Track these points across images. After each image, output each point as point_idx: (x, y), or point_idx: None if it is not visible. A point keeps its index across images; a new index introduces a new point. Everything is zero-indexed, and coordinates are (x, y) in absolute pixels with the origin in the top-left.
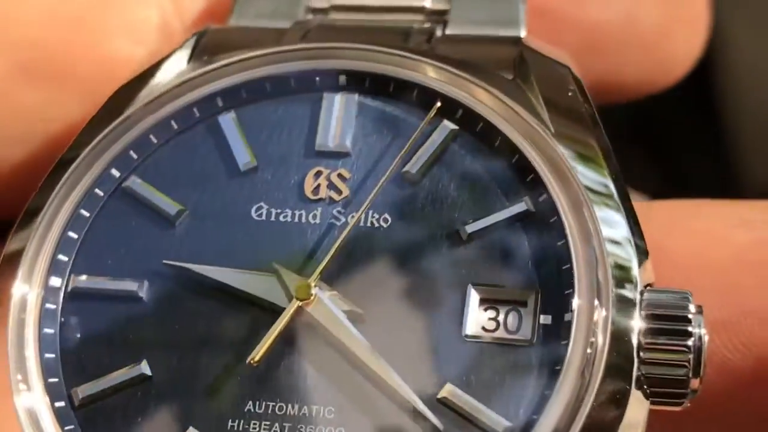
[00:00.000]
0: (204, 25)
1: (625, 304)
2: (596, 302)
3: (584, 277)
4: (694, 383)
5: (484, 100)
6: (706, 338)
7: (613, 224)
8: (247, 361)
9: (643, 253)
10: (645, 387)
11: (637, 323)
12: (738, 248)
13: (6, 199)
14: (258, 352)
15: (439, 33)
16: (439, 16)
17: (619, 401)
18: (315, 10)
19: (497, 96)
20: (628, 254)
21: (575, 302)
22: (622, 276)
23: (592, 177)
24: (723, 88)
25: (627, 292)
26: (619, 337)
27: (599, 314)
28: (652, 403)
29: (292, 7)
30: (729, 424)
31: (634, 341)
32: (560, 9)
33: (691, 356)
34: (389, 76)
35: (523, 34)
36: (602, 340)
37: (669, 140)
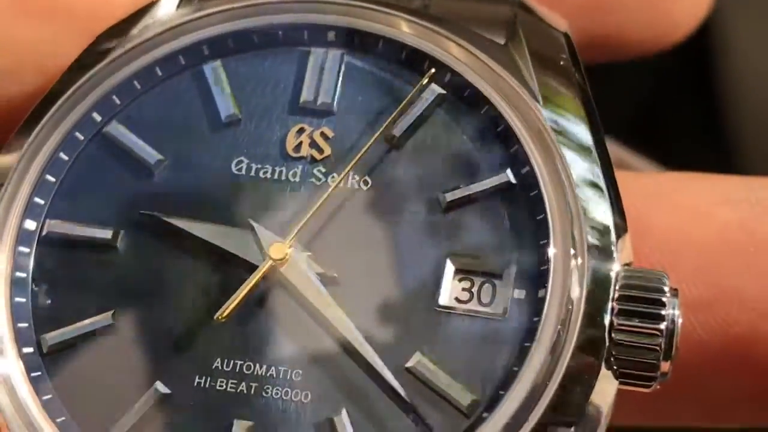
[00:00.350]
0: None
1: (601, 276)
2: (572, 256)
3: (561, 254)
4: (665, 366)
5: (473, 65)
6: (679, 321)
7: (594, 193)
8: (214, 318)
9: (618, 215)
10: (615, 368)
11: (610, 302)
12: (721, 227)
13: None
14: (225, 310)
15: None
16: None
17: (587, 380)
18: None
19: (486, 62)
20: (605, 221)
21: (551, 252)
22: (600, 242)
23: (576, 137)
24: (723, 79)
25: (604, 265)
26: (592, 316)
27: (575, 263)
28: (621, 383)
29: None
30: (702, 403)
31: (606, 321)
32: None
33: (662, 340)
34: (378, 34)
35: None
36: (575, 311)
37: (668, 132)
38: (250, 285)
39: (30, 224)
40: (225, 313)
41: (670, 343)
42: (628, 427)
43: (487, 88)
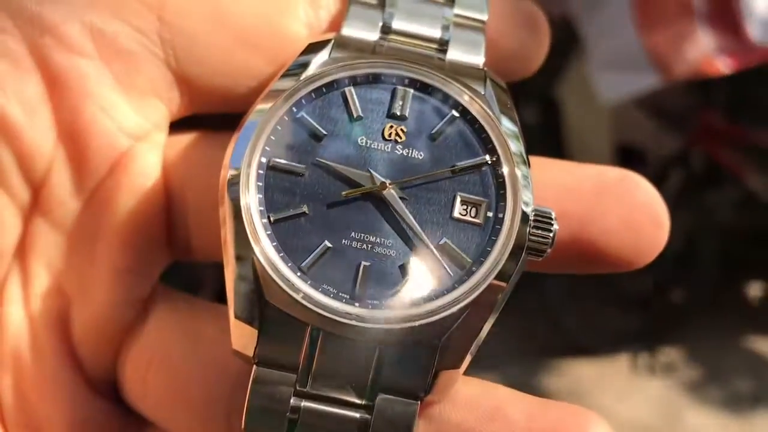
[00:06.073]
0: (334, 32)
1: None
2: (523, 207)
3: (511, 199)
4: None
5: (474, 102)
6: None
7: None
8: (342, 194)
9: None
10: (528, 251)
11: (530, 221)
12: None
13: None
14: (350, 193)
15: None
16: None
17: (520, 254)
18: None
19: (478, 101)
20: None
21: (508, 199)
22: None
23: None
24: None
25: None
26: (524, 221)
27: (518, 209)
28: (528, 255)
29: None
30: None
31: (528, 229)
32: None
33: (552, 237)
34: (427, 83)
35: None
36: (515, 224)
37: None
38: (366, 189)
39: (263, 159)
40: (347, 193)
41: (554, 238)
42: None
43: (482, 117)
